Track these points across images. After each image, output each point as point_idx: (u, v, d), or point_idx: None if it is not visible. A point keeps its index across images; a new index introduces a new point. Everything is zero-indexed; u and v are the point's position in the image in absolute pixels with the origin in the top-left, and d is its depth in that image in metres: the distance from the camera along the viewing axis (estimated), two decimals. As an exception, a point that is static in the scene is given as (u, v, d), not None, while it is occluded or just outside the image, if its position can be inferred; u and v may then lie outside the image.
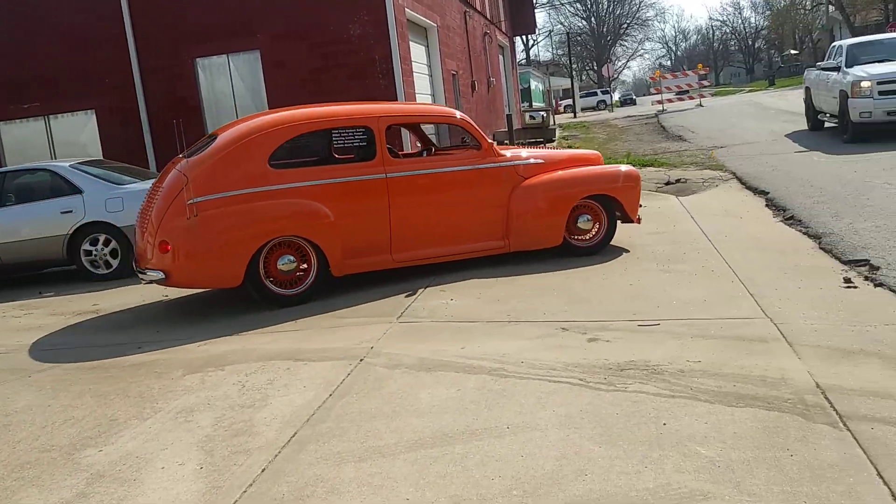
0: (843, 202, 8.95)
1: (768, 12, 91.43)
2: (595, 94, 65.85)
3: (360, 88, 13.66)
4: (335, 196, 6.72)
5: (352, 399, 4.34)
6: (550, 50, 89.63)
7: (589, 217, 7.73)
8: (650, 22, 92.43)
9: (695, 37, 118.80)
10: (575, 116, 47.89)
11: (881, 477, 2.96)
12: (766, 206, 9.77)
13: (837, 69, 15.18)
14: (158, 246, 6.48)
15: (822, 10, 59.73)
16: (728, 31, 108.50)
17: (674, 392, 3.92)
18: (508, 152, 7.70)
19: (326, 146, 7.24)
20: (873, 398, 3.64)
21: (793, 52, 76.57)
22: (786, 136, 17.67)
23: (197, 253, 6.47)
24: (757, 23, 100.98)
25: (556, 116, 49.44)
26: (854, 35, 40.36)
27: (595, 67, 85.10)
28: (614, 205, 7.80)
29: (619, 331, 5.08)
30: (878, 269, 6.09)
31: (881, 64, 14.50)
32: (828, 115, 15.96)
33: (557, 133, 25.34)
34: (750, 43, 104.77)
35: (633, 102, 68.65)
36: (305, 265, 6.80)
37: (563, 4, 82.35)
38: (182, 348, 5.86)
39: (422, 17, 16.12)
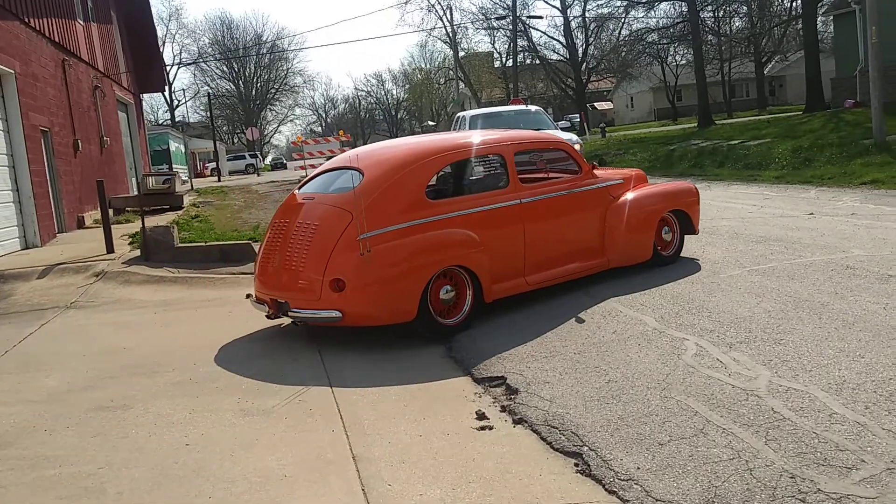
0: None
1: (408, 85, 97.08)
2: (244, 157, 63.73)
3: None
4: (482, 223, 6.67)
5: None
6: (199, 112, 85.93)
7: (668, 229, 8.24)
8: (299, 88, 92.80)
9: (343, 105, 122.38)
10: (219, 180, 45.29)
11: None
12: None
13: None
14: (330, 284, 6.00)
15: (453, 86, 64.40)
16: (373, 101, 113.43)
17: None
18: (599, 173, 8.00)
19: (465, 175, 7.35)
20: None
21: (430, 122, 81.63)
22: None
23: (375, 289, 6.06)
24: (398, 95, 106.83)
25: (198, 180, 46.49)
26: (482, 109, 43.25)
27: (244, 131, 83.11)
28: (684, 218, 8.33)
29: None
30: (516, 392, 4.79)
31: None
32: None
33: (188, 199, 22.79)
34: (393, 113, 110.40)
35: (284, 167, 67.70)
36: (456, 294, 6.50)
37: (201, 62, 79.28)
38: None
39: (-11, 60, 12.89)
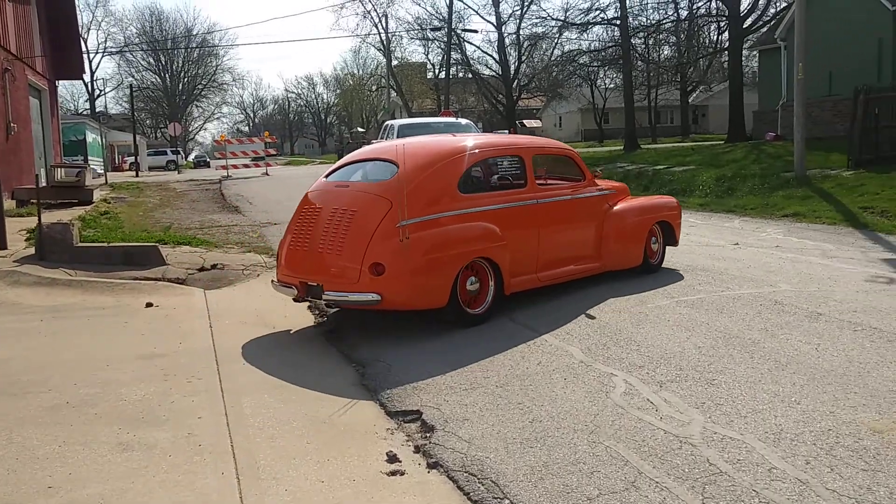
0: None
1: (339, 90, 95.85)
2: (165, 153, 61.62)
3: None
4: (504, 219, 6.98)
5: None
6: (122, 103, 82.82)
7: (655, 239, 8.78)
8: (228, 86, 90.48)
9: (272, 105, 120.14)
10: (137, 175, 43.57)
11: None
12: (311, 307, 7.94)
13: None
14: (370, 269, 6.18)
15: (384, 94, 63.90)
16: (303, 103, 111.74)
17: None
18: (599, 181, 8.53)
19: (491, 172, 7.57)
20: None
21: (360, 129, 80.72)
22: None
23: (413, 274, 6.26)
24: (329, 99, 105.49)
25: (115, 174, 44.60)
26: (412, 119, 42.84)
27: (168, 125, 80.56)
28: (668, 229, 8.93)
29: None
30: (432, 430, 4.37)
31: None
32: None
33: (99, 195, 21.64)
34: (323, 117, 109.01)
35: (207, 165, 65.79)
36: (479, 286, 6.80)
37: (127, 51, 76.58)
38: None
39: None
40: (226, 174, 31.91)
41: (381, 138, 15.67)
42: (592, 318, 6.74)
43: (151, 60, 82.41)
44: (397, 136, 14.49)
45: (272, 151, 37.62)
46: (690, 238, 11.18)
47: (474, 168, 7.24)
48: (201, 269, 9.80)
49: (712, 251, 10.00)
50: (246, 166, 33.97)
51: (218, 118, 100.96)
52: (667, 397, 4.72)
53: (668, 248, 9.03)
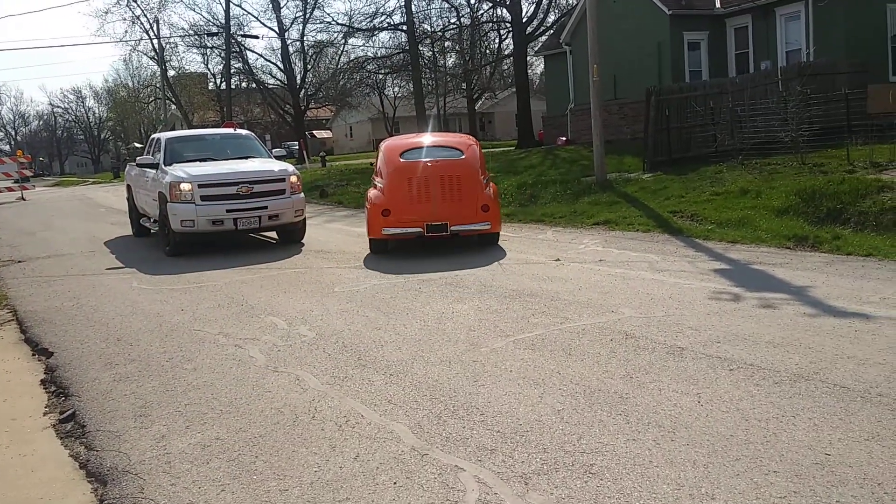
0: (161, 378, 5.66)
1: (112, 103, 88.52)
2: None
3: None
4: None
5: None
6: None
7: None
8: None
9: (36, 122, 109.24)
10: None
11: None
12: (43, 384, 5.92)
13: (156, 166, 12.34)
14: (481, 208, 10.48)
15: (159, 105, 59.57)
16: (72, 118, 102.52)
17: None
18: None
19: None
20: None
21: (137, 144, 74.67)
22: (107, 243, 14.16)
23: (498, 209, 11.02)
24: (101, 113, 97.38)
25: None
26: (192, 132, 39.67)
27: None
28: None
29: None
30: None
31: (206, 164, 12.14)
32: (152, 219, 12.98)
33: None
34: (95, 133, 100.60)
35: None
36: None
37: None
38: None
39: None
40: (-32, 200, 27.52)
41: (148, 153, 13.42)
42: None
43: None
44: (164, 151, 12.37)
45: (27, 173, 33.12)
46: (508, 255, 10.14)
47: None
48: None
49: (534, 270, 8.97)
50: (2, 190, 29.59)
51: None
52: (538, 504, 3.39)
53: (497, 263, 7.98)
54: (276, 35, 46.11)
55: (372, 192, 11.05)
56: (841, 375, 4.79)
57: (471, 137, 12.27)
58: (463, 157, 10.81)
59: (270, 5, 45.13)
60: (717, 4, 23.68)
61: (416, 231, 10.31)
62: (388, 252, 10.82)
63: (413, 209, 10.31)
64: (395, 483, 3.73)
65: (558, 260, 9.55)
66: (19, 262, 12.37)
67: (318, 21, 46.26)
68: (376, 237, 10.69)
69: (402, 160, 10.74)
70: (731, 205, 11.85)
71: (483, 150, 11.82)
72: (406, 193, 10.41)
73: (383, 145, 11.51)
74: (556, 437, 4.12)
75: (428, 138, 11.72)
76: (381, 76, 47.11)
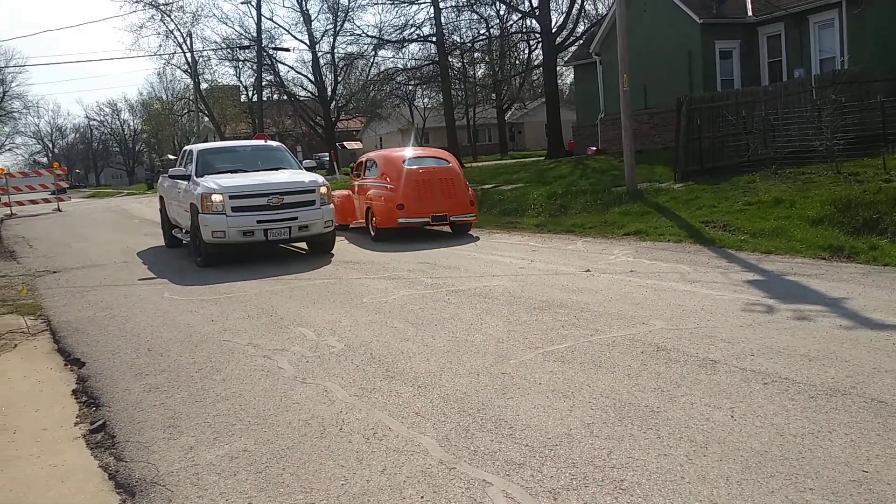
0: (190, 388, 5.68)
1: (146, 116, 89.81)
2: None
3: None
4: None
5: None
6: None
7: None
8: (18, 114, 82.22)
9: (73, 134, 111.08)
10: None
11: None
12: (74, 395, 5.98)
13: (188, 178, 12.47)
14: (469, 203, 13.95)
15: (192, 118, 60.30)
16: (107, 131, 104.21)
17: None
18: None
19: None
20: None
21: (171, 156, 75.88)
22: (139, 254, 14.34)
23: (476, 205, 14.57)
24: (136, 126, 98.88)
25: None
26: (225, 144, 40.06)
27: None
28: None
29: None
30: None
31: (237, 175, 12.24)
32: (184, 230, 13.10)
33: None
34: (130, 145, 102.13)
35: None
36: None
37: None
38: None
39: None
40: (8, 212, 28.03)
41: (181, 165, 13.58)
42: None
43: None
44: (196, 164, 12.50)
45: (63, 184, 33.67)
46: (536, 266, 10.08)
47: None
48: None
49: (564, 281, 8.89)
50: (33, 202, 30.12)
51: (10, 149, 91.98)
52: (569, 521, 3.33)
53: (527, 275, 7.84)
54: (307, 48, 46.60)
55: (374, 192, 14.12)
56: (879, 390, 4.67)
57: (447, 152, 16.45)
58: (450, 165, 14.47)
59: (301, 19, 45.64)
60: (749, 13, 23.42)
61: (424, 220, 13.53)
62: (406, 255, 10.80)
63: (421, 204, 13.45)
64: (422, 497, 3.70)
65: (588, 271, 9.47)
66: (54, 272, 12.56)
67: (348, 33, 46.36)
68: (390, 226, 13.59)
69: (407, 167, 13.86)
70: (764, 215, 11.68)
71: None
72: (415, 192, 13.49)
73: (376, 156, 15.04)
74: (586, 451, 4.07)
75: (419, 151, 15.38)
76: (410, 87, 47.30)
